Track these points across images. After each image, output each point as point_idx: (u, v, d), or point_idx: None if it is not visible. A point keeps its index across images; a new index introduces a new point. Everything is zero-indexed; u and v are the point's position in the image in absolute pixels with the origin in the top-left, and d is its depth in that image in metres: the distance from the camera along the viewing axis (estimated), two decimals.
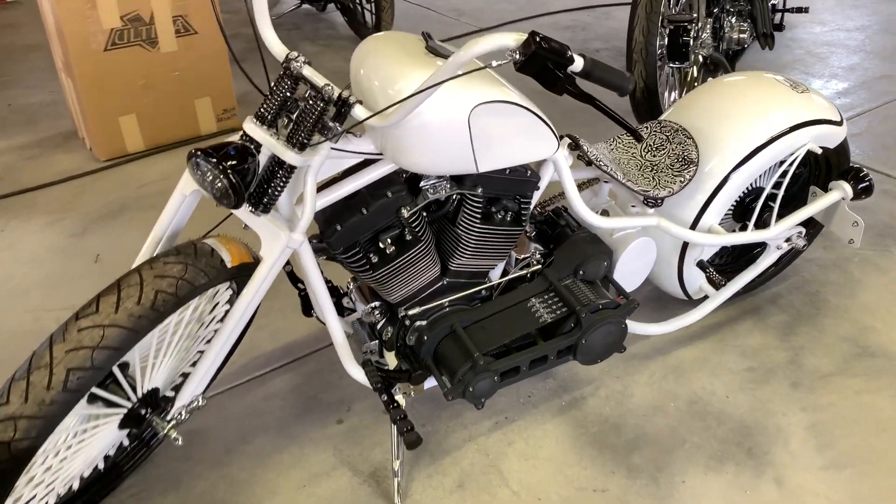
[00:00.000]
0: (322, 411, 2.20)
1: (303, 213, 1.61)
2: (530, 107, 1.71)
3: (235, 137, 1.59)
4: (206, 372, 1.74)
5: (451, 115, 1.57)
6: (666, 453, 2.03)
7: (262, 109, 1.55)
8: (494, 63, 1.32)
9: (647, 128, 2.26)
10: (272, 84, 1.55)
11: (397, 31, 1.77)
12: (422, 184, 1.81)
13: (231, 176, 1.44)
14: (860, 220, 2.34)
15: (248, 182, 1.48)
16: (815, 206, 2.35)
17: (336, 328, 1.88)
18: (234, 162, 1.45)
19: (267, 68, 1.56)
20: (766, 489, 1.92)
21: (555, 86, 1.34)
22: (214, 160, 1.44)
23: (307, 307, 2.04)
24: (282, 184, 1.57)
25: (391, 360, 2.04)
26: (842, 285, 2.66)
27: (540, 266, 2.08)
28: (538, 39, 1.28)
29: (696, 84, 3.79)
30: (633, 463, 2.01)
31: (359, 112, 1.53)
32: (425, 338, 1.95)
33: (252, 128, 1.55)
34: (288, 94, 1.53)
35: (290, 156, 1.53)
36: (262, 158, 1.56)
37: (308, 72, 1.54)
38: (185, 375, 1.92)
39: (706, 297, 2.42)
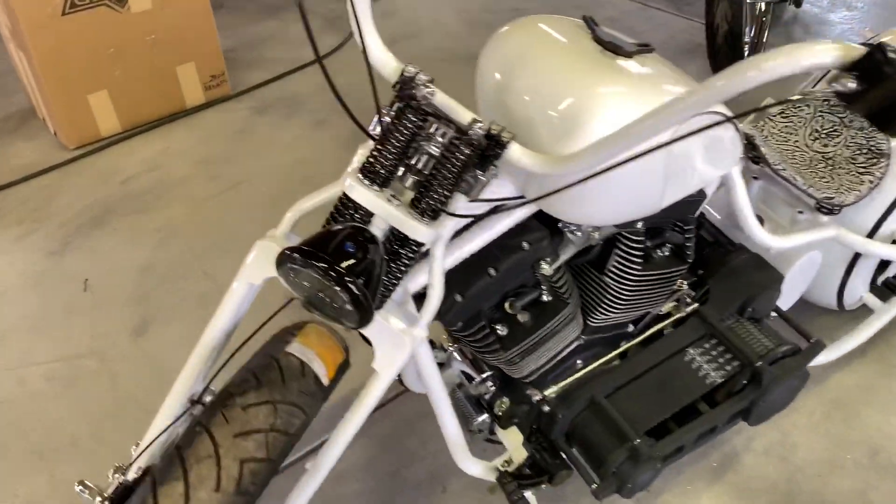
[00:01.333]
0: (410, 495, 1.72)
1: (427, 301, 1.09)
2: (726, 111, 1.19)
3: (332, 192, 1.05)
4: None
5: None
6: None
7: (371, 161, 1.00)
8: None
9: (805, 104, 1.74)
10: (383, 120, 1.00)
11: (543, 14, 1.20)
12: (562, 225, 1.29)
13: (357, 290, 0.90)
14: None
15: (374, 288, 0.94)
16: None
17: (451, 423, 1.39)
18: (353, 262, 0.90)
19: (378, 101, 1.00)
20: None
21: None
22: (326, 267, 0.89)
23: None
24: (404, 269, 1.05)
25: (507, 438, 1.56)
26: None
27: (693, 304, 1.59)
28: (889, 54, 0.74)
29: (764, 20, 3.24)
30: None
31: (516, 156, 0.99)
32: (558, 415, 1.46)
33: (361, 192, 1.01)
34: (410, 135, 0.99)
35: (422, 232, 1.00)
36: (377, 231, 1.02)
37: (441, 100, 0.99)
38: None
39: (863, 307, 1.96)
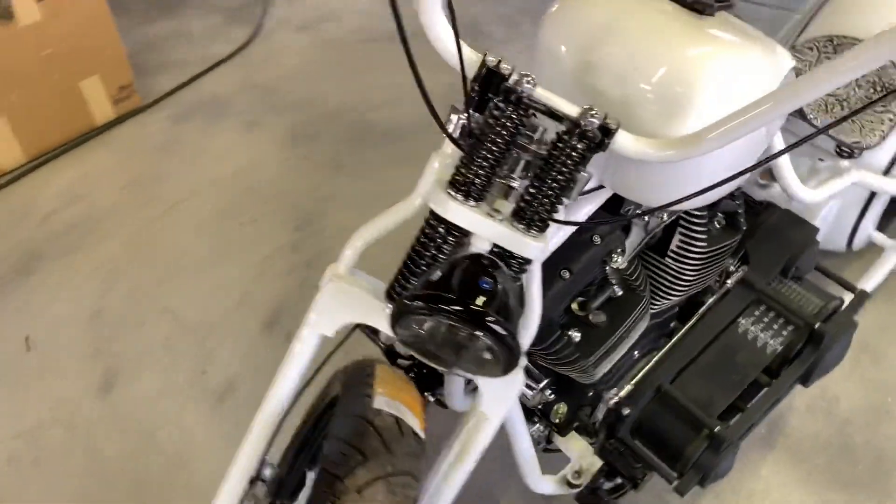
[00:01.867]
0: None
1: (526, 324, 0.94)
2: None
3: (398, 216, 0.87)
4: None
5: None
6: None
7: (463, 172, 0.83)
8: None
9: (811, 48, 1.67)
10: (471, 121, 0.83)
11: None
12: (627, 209, 1.16)
13: (503, 330, 0.74)
14: None
15: (515, 324, 0.78)
16: None
17: (525, 443, 1.25)
18: (488, 299, 0.74)
19: (470, 104, 0.82)
20: None
21: None
22: (465, 315, 0.72)
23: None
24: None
25: (568, 446, 1.43)
26: None
27: (736, 272, 1.50)
28: None
29: None
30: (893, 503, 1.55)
31: (627, 144, 0.84)
32: (625, 411, 1.35)
33: (457, 210, 0.84)
34: (510, 138, 0.82)
35: (532, 247, 0.85)
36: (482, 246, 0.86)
37: (542, 92, 0.82)
38: None
39: (869, 247, 1.93)
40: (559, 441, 1.44)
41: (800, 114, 1.55)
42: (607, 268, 1.16)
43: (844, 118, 0.77)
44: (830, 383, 1.77)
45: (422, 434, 0.95)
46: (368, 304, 0.93)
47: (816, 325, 1.42)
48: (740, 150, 1.01)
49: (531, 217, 0.84)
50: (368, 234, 0.97)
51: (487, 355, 0.77)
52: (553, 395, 1.36)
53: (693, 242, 1.23)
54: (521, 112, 0.81)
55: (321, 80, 3.07)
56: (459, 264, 0.78)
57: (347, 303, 0.89)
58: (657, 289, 1.30)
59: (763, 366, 1.42)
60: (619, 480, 1.34)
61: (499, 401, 0.95)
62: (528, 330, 0.95)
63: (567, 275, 1.10)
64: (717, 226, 1.30)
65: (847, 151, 1.57)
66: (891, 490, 1.57)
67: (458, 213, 0.83)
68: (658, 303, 1.32)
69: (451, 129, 0.85)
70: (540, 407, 1.39)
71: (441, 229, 0.86)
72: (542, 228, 0.85)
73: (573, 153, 0.81)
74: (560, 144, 0.82)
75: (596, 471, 1.36)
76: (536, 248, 0.85)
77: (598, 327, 1.18)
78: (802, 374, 1.47)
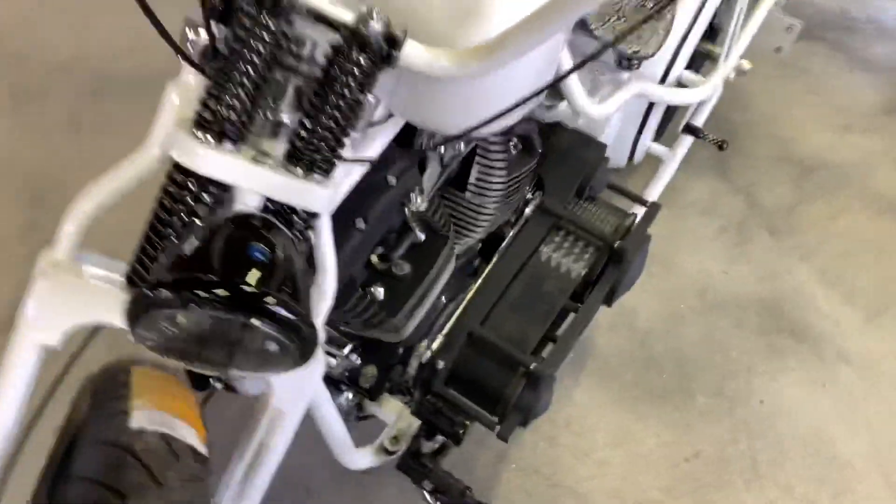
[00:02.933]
0: None
1: (321, 292, 0.77)
2: None
3: (129, 174, 0.65)
4: None
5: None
6: (721, 375, 1.65)
7: (210, 108, 0.63)
8: None
9: None
10: (214, 36, 0.62)
11: None
12: (420, 141, 1.01)
13: (291, 313, 0.56)
14: (797, 23, 2.00)
15: (305, 299, 0.60)
16: (757, 19, 1.94)
17: (335, 422, 1.10)
18: (261, 274, 0.55)
19: (211, 12, 0.60)
20: (842, 374, 1.65)
21: None
22: (234, 301, 0.53)
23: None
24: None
25: (382, 410, 1.31)
26: (735, 100, 2.37)
27: (532, 199, 1.42)
28: None
29: None
30: (699, 403, 1.60)
31: (416, 56, 0.68)
32: (438, 364, 1.24)
33: (210, 158, 0.63)
34: (268, 56, 0.63)
35: (318, 196, 0.67)
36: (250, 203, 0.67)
37: None
38: None
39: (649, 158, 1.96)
40: (371, 407, 1.30)
41: (582, 27, 1.48)
42: (406, 211, 1.01)
43: (633, 28, 0.67)
44: (628, 298, 1.78)
45: (202, 448, 0.75)
46: (103, 296, 0.70)
47: (616, 244, 1.39)
48: (537, 65, 0.90)
49: (311, 157, 0.66)
50: (93, 203, 0.73)
51: (273, 346, 0.60)
52: (359, 360, 1.21)
53: (493, 172, 1.12)
54: (280, 18, 0.62)
55: (47, 27, 2.59)
56: (221, 231, 0.59)
57: (72, 299, 0.67)
58: (460, 227, 1.18)
59: (570, 292, 1.36)
60: (439, 439, 1.23)
61: (296, 394, 0.78)
62: (324, 299, 0.78)
63: (362, 224, 0.94)
64: (514, 151, 1.19)
65: (627, 63, 1.53)
66: (693, 391, 1.62)
67: (212, 160, 0.63)
68: (461, 242, 1.20)
69: (189, 50, 0.64)
70: (347, 374, 1.24)
71: (191, 185, 0.65)
72: (327, 170, 0.68)
73: (355, 70, 0.64)
74: (338, 61, 0.64)
75: (414, 433, 1.24)
76: (323, 196, 0.68)
77: (404, 279, 1.04)
78: (606, 294, 1.44)
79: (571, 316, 1.39)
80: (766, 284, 1.83)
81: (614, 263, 1.41)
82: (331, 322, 1.08)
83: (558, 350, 1.33)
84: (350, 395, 1.28)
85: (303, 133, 0.66)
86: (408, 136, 0.97)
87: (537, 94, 0.73)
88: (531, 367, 1.24)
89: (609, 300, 1.47)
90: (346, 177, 0.82)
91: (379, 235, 0.99)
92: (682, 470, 1.52)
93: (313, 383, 0.81)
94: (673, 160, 1.90)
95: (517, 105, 0.73)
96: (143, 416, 0.72)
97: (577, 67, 0.80)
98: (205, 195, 0.65)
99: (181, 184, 0.65)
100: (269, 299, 0.55)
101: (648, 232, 1.50)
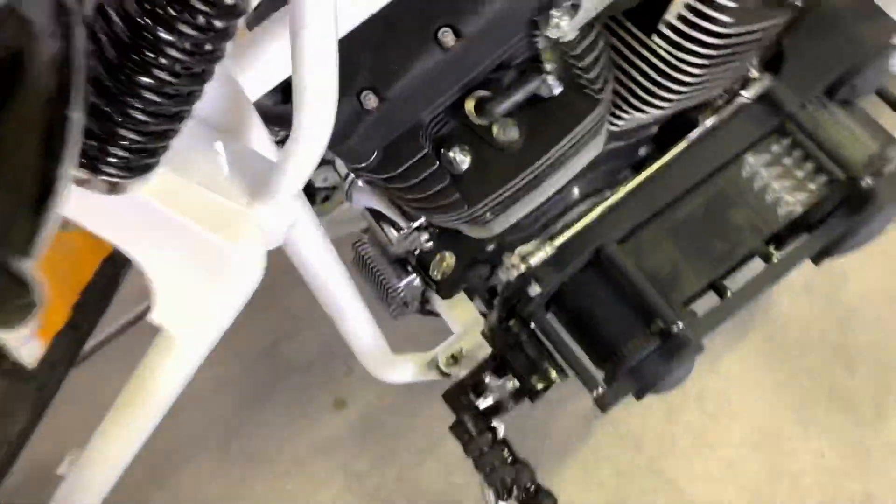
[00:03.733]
0: (298, 380, 1.13)
1: (297, 120, 0.39)
2: None
3: None
4: None
5: None
6: None
7: None
8: None
9: None
10: None
11: None
12: None
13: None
14: None
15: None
16: None
17: (361, 320, 0.76)
18: None
19: None
20: None
21: None
22: None
23: None
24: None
25: (451, 315, 0.95)
26: None
27: (759, 80, 0.93)
28: None
29: None
30: (891, 427, 1.14)
31: None
32: (543, 280, 0.86)
33: None
34: None
35: None
36: None
37: None
38: None
39: None
40: (439, 304, 0.95)
41: None
42: (538, 39, 0.59)
43: None
44: (840, 258, 1.29)
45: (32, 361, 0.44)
46: None
47: (865, 180, 0.90)
48: None
49: None
50: None
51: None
52: (431, 243, 0.84)
53: (709, 11, 0.66)
54: None
55: None
56: None
57: None
58: (628, 90, 0.74)
59: (770, 232, 0.92)
60: (509, 384, 0.86)
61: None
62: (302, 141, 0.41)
63: (451, 39, 0.53)
64: None
65: None
66: (889, 409, 1.16)
67: None
68: (624, 116, 0.76)
69: None
70: (415, 255, 0.88)
71: None
72: None
73: None
74: None
75: (480, 362, 0.88)
76: None
77: (508, 149, 0.63)
78: (822, 248, 0.97)
79: (761, 269, 0.94)
80: None
81: (853, 207, 0.93)
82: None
83: (722, 310, 0.91)
84: (416, 282, 0.93)
85: None
86: None
87: None
88: (675, 325, 0.84)
89: (821, 257, 1.00)
90: None
91: (481, 66, 0.58)
92: None
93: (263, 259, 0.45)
94: None
95: None
96: None
97: None
98: None
99: None
100: None
101: None
